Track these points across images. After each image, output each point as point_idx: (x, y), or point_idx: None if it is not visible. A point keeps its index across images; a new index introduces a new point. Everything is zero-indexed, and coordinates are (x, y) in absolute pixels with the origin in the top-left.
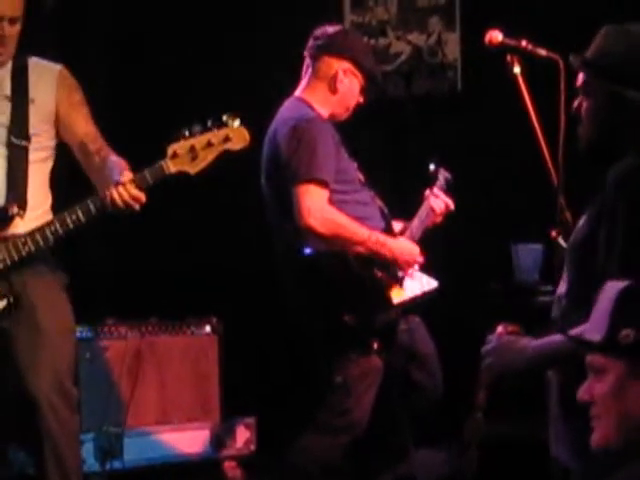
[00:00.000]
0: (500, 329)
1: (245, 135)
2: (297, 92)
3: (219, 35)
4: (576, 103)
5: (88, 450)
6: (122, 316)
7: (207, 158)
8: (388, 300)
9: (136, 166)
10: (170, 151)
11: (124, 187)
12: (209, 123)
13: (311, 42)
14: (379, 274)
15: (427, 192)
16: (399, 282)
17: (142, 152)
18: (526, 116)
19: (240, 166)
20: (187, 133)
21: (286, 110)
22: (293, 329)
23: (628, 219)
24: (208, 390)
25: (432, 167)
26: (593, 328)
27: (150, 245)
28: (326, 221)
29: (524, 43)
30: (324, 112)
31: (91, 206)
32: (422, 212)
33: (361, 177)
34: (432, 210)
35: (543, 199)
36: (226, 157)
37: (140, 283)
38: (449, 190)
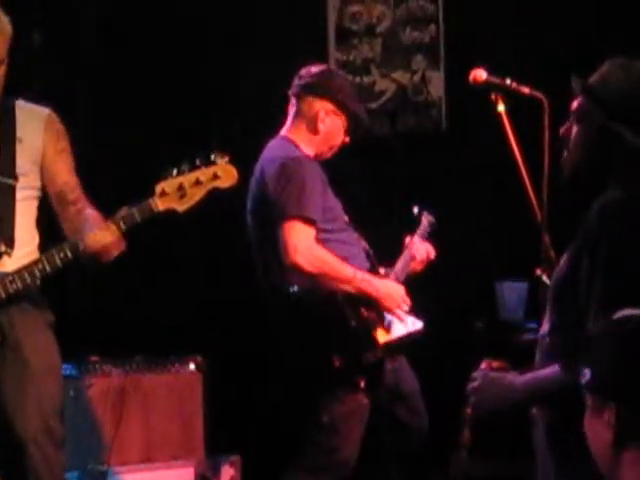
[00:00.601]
0: (484, 365)
1: (233, 173)
2: (283, 131)
3: (203, 72)
4: (565, 127)
5: None
6: (107, 354)
7: (195, 196)
8: (374, 339)
9: (121, 200)
10: (158, 189)
11: (107, 228)
12: (197, 161)
13: (295, 81)
14: (365, 314)
15: (407, 239)
16: (385, 321)
17: (126, 187)
18: (510, 154)
19: (224, 203)
20: (175, 171)
21: (272, 149)
22: (278, 366)
23: (609, 254)
24: (193, 428)
25: (415, 210)
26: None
27: (136, 283)
28: (313, 259)
29: (508, 81)
30: (309, 151)
31: (80, 244)
32: (405, 257)
33: (346, 217)
34: (413, 257)
35: (528, 237)
36: (211, 195)
37: (125, 321)
38: (432, 234)
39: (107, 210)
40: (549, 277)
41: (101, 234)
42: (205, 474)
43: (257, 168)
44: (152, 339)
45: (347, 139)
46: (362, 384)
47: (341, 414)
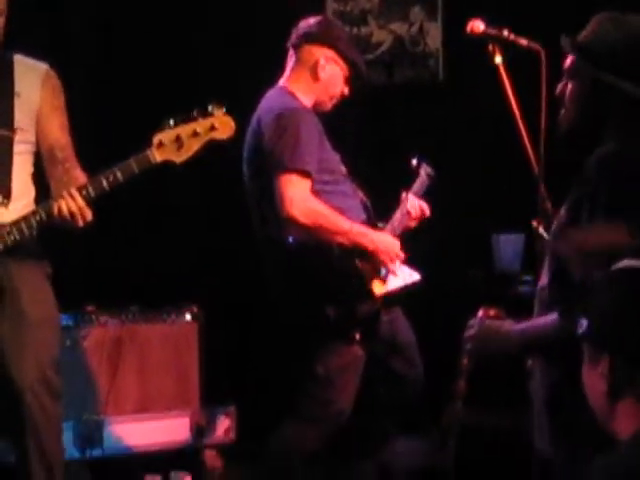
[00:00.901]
0: (481, 313)
1: (231, 124)
2: (281, 81)
3: (201, 24)
4: (560, 86)
5: (68, 438)
6: (103, 304)
7: (193, 147)
8: (370, 291)
9: (120, 156)
10: (156, 140)
11: (70, 197)
12: (194, 112)
13: (293, 33)
14: (361, 265)
15: (403, 195)
16: (381, 274)
17: (125, 141)
18: (507, 106)
19: (217, 154)
20: (172, 122)
21: (269, 99)
22: (274, 318)
23: (609, 202)
24: (188, 379)
25: (414, 162)
26: None
27: (132, 233)
28: (308, 211)
29: (506, 33)
30: (307, 101)
31: (52, 208)
32: (400, 211)
33: (343, 169)
34: (408, 213)
35: (524, 189)
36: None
37: (121, 271)
38: (431, 186)
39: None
40: (545, 229)
41: (64, 202)
42: (200, 424)
43: (254, 118)
44: (149, 289)
45: (346, 90)
46: (357, 336)
47: (336, 366)
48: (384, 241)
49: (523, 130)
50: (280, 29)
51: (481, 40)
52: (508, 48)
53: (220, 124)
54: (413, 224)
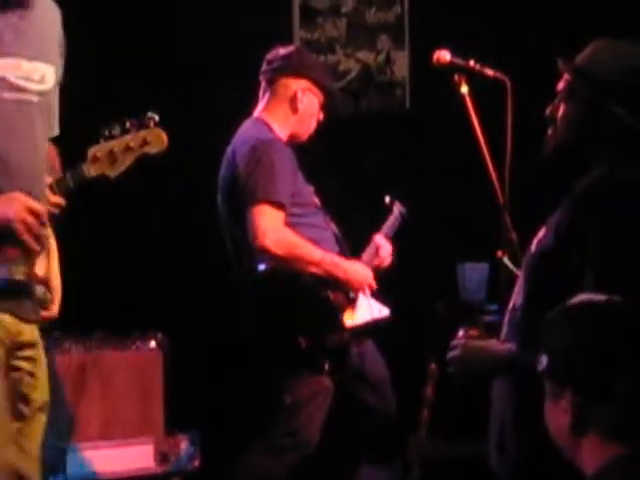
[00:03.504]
0: (462, 333)
1: (163, 137)
2: (256, 113)
3: (168, 53)
4: (552, 107)
5: None
6: (67, 330)
7: (126, 162)
8: (340, 322)
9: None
10: (90, 154)
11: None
12: (128, 123)
13: (265, 66)
14: (332, 296)
15: (375, 237)
16: (352, 305)
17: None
18: (473, 135)
19: (188, 182)
20: (107, 133)
21: (245, 130)
22: (242, 346)
23: (603, 241)
24: (152, 405)
25: (387, 199)
26: None
27: (97, 259)
28: (280, 241)
29: (472, 63)
30: (283, 134)
31: None
32: (370, 248)
33: (317, 201)
34: (378, 248)
35: (489, 218)
36: (176, 172)
37: (86, 297)
38: (402, 223)
39: None
40: (510, 259)
41: None
42: (164, 451)
43: (229, 149)
44: (113, 316)
45: (321, 116)
46: (326, 367)
47: (304, 395)
48: (356, 270)
49: (488, 159)
50: (249, 58)
51: (447, 70)
52: (474, 78)
53: (152, 138)
54: (386, 263)
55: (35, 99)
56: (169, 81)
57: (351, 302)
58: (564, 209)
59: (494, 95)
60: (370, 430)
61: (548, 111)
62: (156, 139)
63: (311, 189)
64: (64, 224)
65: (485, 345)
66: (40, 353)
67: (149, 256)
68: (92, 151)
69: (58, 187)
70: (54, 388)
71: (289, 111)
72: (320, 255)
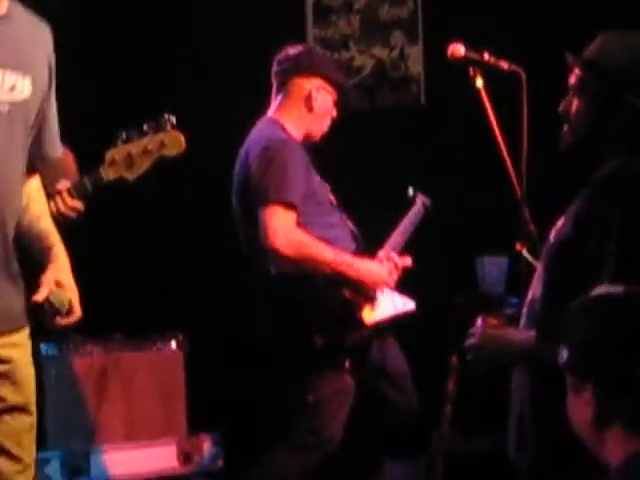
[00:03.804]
0: (480, 322)
1: (180, 140)
2: (270, 112)
3: (183, 53)
4: (565, 103)
5: (55, 468)
6: (87, 333)
7: (144, 164)
8: (359, 320)
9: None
10: (108, 158)
11: (60, 197)
12: (145, 126)
13: (275, 67)
14: (349, 294)
15: (379, 254)
16: (371, 302)
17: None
18: (489, 129)
19: (204, 182)
20: (124, 136)
21: (258, 131)
22: (262, 345)
23: (622, 229)
24: (175, 406)
25: (411, 191)
26: None
27: (116, 260)
28: (292, 242)
29: (486, 56)
30: (297, 133)
31: None
32: (399, 229)
33: (333, 199)
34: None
35: (507, 211)
36: (193, 171)
37: (106, 299)
38: (426, 215)
39: None
40: (529, 251)
41: None
42: (188, 451)
43: (243, 149)
44: (134, 317)
45: (335, 113)
46: (347, 364)
47: (326, 394)
48: (370, 269)
49: (505, 153)
50: (264, 56)
51: (462, 63)
52: (489, 71)
53: (170, 140)
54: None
55: (4, 108)
56: (185, 81)
57: (370, 299)
58: (583, 198)
59: (509, 88)
60: (392, 426)
61: (561, 107)
62: (174, 141)
63: (327, 187)
64: (82, 225)
65: (504, 333)
66: (21, 354)
67: (168, 257)
68: (110, 154)
69: (76, 191)
70: (76, 391)
71: (304, 110)
72: (332, 255)
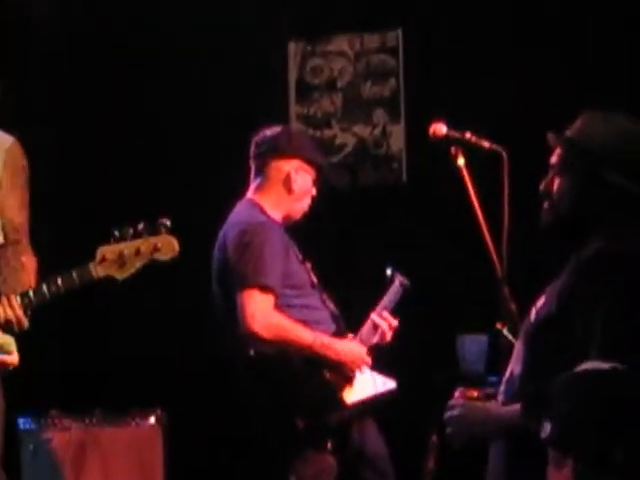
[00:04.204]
0: (459, 394)
1: (174, 245)
2: (249, 194)
3: (164, 130)
4: (546, 182)
5: None
6: (66, 408)
7: (135, 265)
8: (340, 400)
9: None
10: (99, 255)
11: (8, 304)
12: (140, 226)
13: (253, 149)
14: (328, 375)
15: (372, 314)
16: (351, 382)
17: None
18: (470, 207)
19: (183, 263)
20: (117, 234)
21: (237, 213)
22: (243, 424)
23: (609, 308)
24: None
25: (389, 272)
26: None
27: (94, 336)
28: (270, 326)
29: (468, 135)
30: (277, 215)
31: None
32: (368, 324)
33: (314, 279)
34: (375, 327)
35: (488, 290)
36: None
37: (84, 375)
38: (404, 295)
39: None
40: (510, 330)
41: (1, 309)
42: None
43: (221, 231)
44: (112, 393)
45: (314, 191)
46: (329, 445)
47: (309, 475)
48: (349, 350)
49: (486, 231)
50: (246, 135)
51: (444, 142)
52: (471, 150)
53: (163, 244)
54: (386, 338)
55: None
56: (165, 162)
57: (350, 379)
58: (567, 278)
59: (491, 166)
60: None
61: (542, 186)
62: (167, 246)
63: (308, 267)
64: (61, 301)
65: (485, 406)
66: None
67: (146, 334)
68: (101, 251)
69: (63, 282)
70: (53, 466)
71: (284, 192)
72: (311, 337)
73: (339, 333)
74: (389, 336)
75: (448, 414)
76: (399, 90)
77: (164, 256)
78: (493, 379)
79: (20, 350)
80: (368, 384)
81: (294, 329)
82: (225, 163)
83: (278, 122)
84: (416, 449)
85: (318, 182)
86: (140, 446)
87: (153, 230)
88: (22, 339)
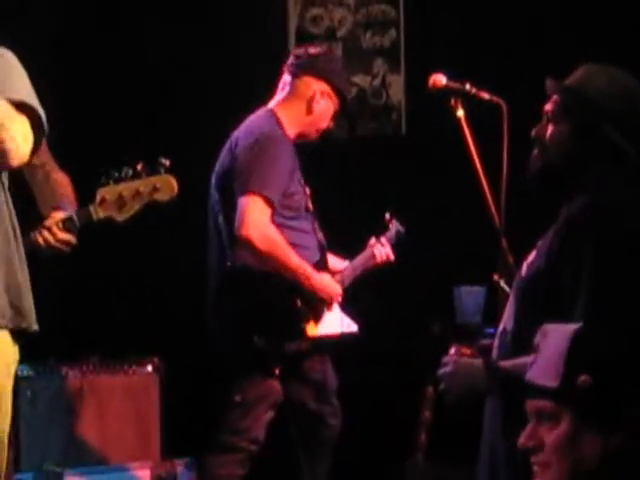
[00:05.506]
0: (454, 351)
1: (173, 185)
2: (271, 104)
3: (166, 69)
4: (538, 128)
5: None
6: (63, 355)
7: (134, 207)
8: (302, 330)
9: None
10: (99, 196)
11: (49, 231)
12: (139, 167)
13: (291, 59)
14: (300, 303)
15: (372, 240)
16: (318, 317)
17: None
18: (469, 159)
19: (178, 202)
20: (117, 175)
21: (254, 121)
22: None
23: (597, 264)
24: (149, 430)
25: (387, 216)
26: (545, 373)
27: (92, 284)
28: (265, 237)
29: (468, 86)
30: (292, 131)
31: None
32: (364, 254)
33: (310, 204)
34: (373, 256)
35: (486, 242)
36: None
37: (82, 322)
38: (398, 243)
39: None
40: (507, 283)
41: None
42: (161, 476)
43: (233, 136)
44: (110, 340)
45: (331, 124)
46: (277, 372)
47: (253, 396)
48: (327, 284)
49: (485, 183)
50: (247, 84)
51: (443, 93)
52: (470, 101)
53: (162, 185)
54: (372, 264)
55: None
56: (166, 104)
57: (318, 314)
58: (554, 234)
59: (491, 118)
60: (326, 440)
61: (534, 132)
62: (166, 186)
63: (307, 192)
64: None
65: (478, 362)
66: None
67: (143, 280)
68: (101, 193)
69: (66, 225)
70: (50, 413)
71: (304, 110)
72: (297, 262)
73: (322, 263)
74: (392, 256)
75: (441, 371)
76: (399, 40)
77: (163, 196)
78: (489, 331)
79: None
80: (335, 322)
81: (285, 249)
82: (224, 105)
83: (277, 71)
84: (413, 400)
85: (337, 116)
86: (137, 394)
87: (152, 170)
88: None
